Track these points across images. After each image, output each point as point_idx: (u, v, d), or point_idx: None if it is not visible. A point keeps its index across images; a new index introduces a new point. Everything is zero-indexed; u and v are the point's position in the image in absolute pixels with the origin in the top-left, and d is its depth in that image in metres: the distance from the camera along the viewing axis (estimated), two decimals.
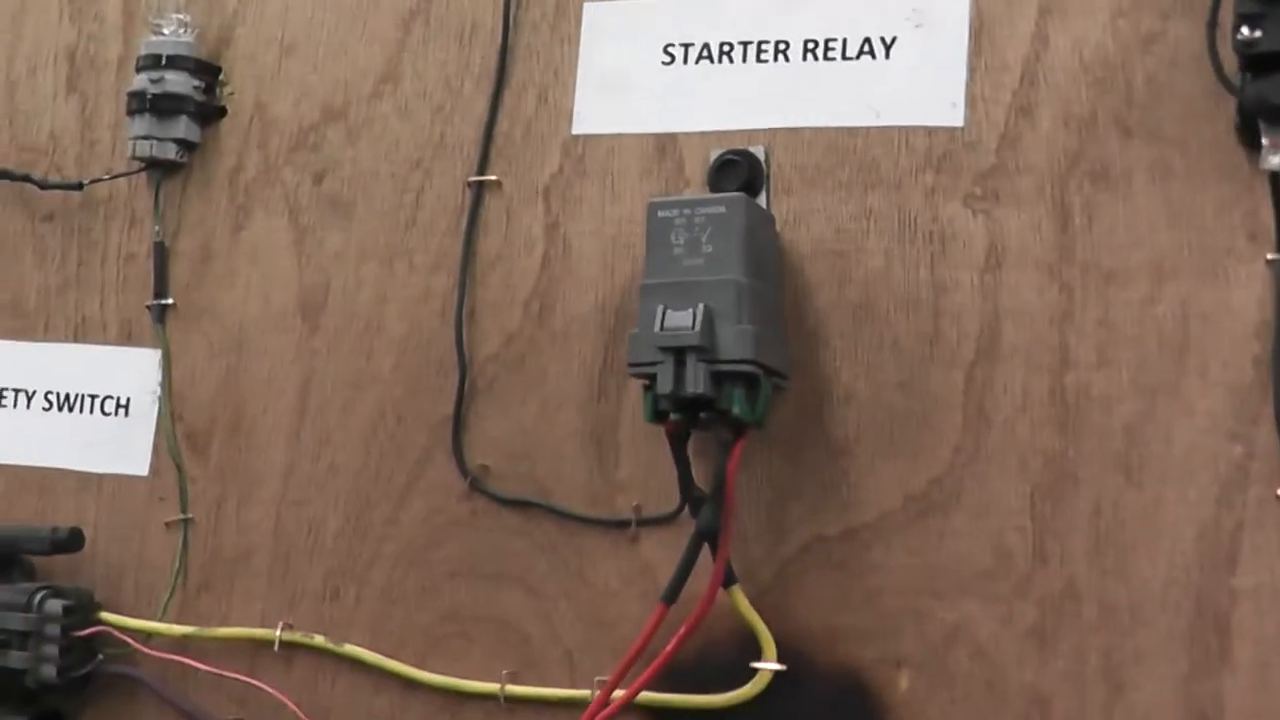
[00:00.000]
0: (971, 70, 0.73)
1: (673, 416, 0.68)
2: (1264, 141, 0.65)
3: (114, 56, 0.89)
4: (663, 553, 0.74)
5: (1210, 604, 0.66)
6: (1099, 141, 0.71)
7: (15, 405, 0.87)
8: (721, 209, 0.69)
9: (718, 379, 0.67)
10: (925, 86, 0.73)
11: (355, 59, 0.83)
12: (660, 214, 0.70)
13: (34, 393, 0.87)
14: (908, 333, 0.72)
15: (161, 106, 0.84)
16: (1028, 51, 0.72)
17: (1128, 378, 0.69)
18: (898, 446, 0.71)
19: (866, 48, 0.75)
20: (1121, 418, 0.68)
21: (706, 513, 0.68)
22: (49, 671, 0.79)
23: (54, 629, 0.79)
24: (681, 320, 0.67)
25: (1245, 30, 0.65)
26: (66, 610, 0.79)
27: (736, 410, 0.67)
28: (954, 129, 0.73)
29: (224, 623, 0.81)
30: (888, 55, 0.74)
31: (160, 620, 0.81)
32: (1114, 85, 0.71)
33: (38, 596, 0.79)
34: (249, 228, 0.84)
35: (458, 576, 0.77)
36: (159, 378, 0.84)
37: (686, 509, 0.72)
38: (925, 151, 0.73)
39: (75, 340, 0.87)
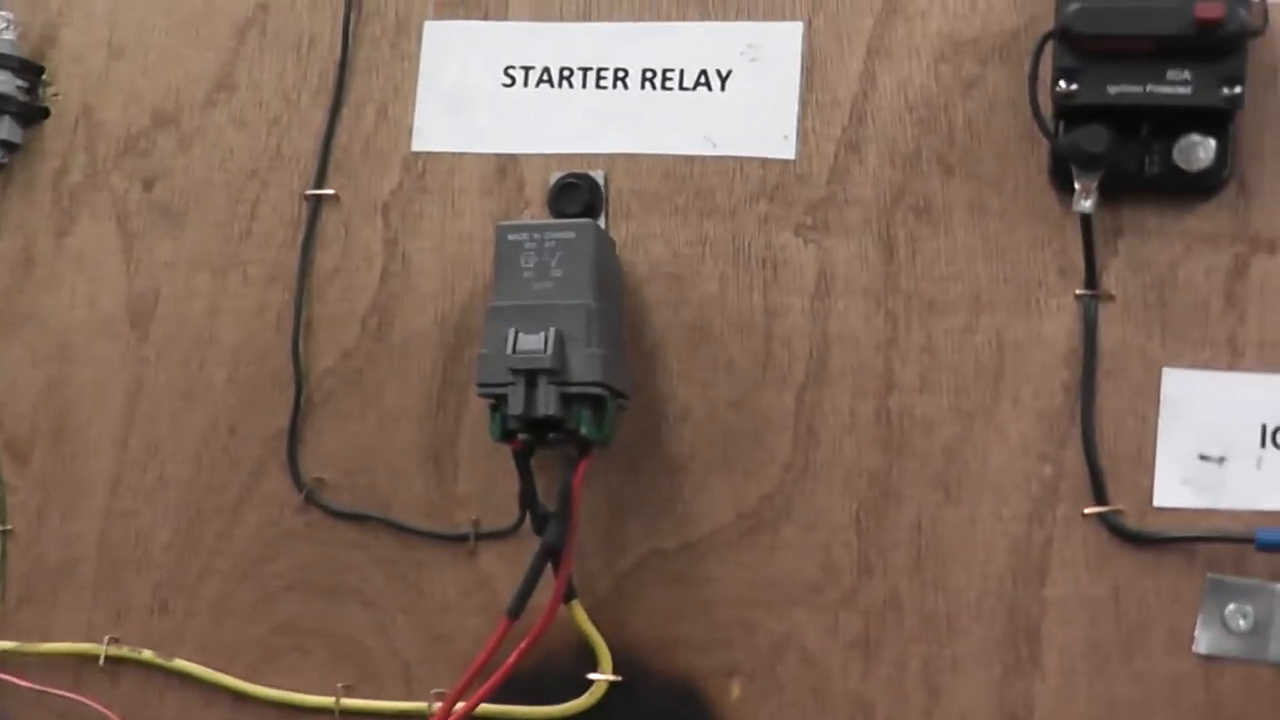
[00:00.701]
0: (804, 105, 0.76)
1: (521, 436, 0.70)
2: (1076, 186, 0.70)
3: None
4: (501, 566, 0.76)
5: (1022, 614, 0.71)
6: (922, 178, 0.75)
7: None
8: (571, 234, 0.71)
9: (567, 400, 0.69)
10: (759, 119, 0.77)
11: (188, 65, 0.83)
12: (510, 237, 0.72)
13: None
14: (741, 354, 0.75)
15: None
16: (856, 90, 0.76)
17: (947, 402, 0.73)
18: (731, 464, 0.75)
19: (703, 79, 0.77)
20: (941, 439, 0.73)
21: (552, 529, 0.70)
22: None
23: None
24: (534, 344, 0.69)
25: (1063, 84, 0.70)
26: None
27: (584, 430, 0.69)
28: (786, 161, 0.76)
29: (47, 637, 0.79)
30: (723, 87, 0.77)
31: None
32: (937, 125, 0.75)
33: None
34: (74, 233, 0.82)
35: (292, 590, 0.78)
36: None
37: (527, 523, 0.74)
38: (759, 181, 0.76)
39: None
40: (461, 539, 0.76)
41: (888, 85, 0.76)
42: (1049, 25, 0.73)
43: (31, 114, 0.83)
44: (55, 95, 0.84)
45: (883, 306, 0.74)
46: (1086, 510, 0.71)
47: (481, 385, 0.70)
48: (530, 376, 0.69)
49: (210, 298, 0.80)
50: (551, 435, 0.70)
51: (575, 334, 0.69)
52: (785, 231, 0.76)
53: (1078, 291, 0.73)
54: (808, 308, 0.75)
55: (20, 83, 0.83)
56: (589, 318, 0.70)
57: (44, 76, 0.84)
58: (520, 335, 0.69)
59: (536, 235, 0.71)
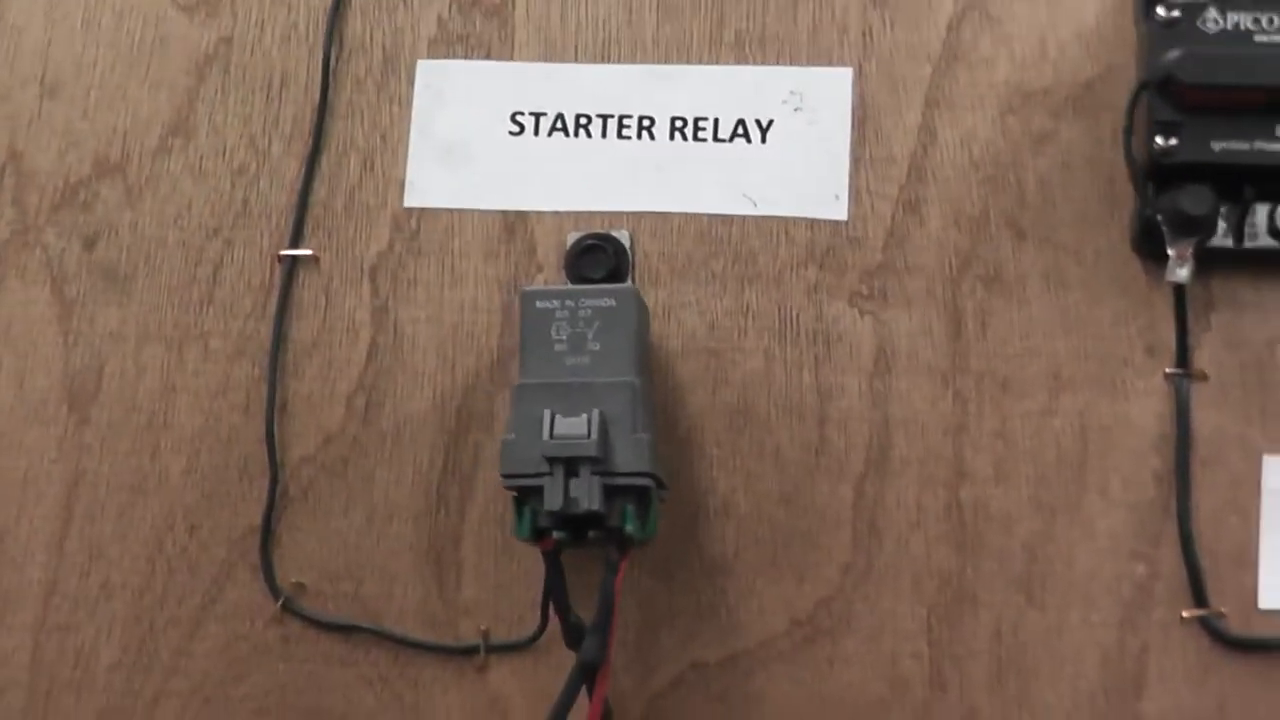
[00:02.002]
0: (855, 160, 0.69)
1: (555, 534, 0.60)
2: (1171, 253, 0.64)
3: None
4: (516, 684, 0.66)
5: None
6: (991, 243, 0.68)
7: None
8: (611, 302, 0.62)
9: (609, 492, 0.60)
10: (806, 175, 0.69)
11: (136, 107, 0.72)
12: (539, 305, 0.62)
13: None
14: (791, 441, 0.67)
15: None
16: (914, 145, 0.69)
17: (1026, 494, 0.66)
18: (781, 565, 0.66)
19: (741, 130, 0.70)
20: (1021, 536, 0.65)
21: (591, 642, 0.60)
22: None
23: None
24: (574, 427, 0.59)
25: (1160, 139, 0.63)
26: None
27: (629, 528, 0.60)
28: (837, 222, 0.68)
29: None
30: (764, 139, 0.69)
31: None
32: (1005, 185, 0.68)
33: None
34: (1, 299, 0.71)
35: (266, 714, 0.67)
36: None
37: (545, 635, 0.64)
38: (807, 245, 0.68)
39: None
40: (469, 652, 0.66)
41: (949, 140, 0.69)
42: (1128, 74, 0.67)
43: None
44: None
45: (950, 386, 0.67)
46: (1185, 614, 0.64)
47: (507, 476, 0.61)
48: (570, 466, 0.59)
49: (164, 374, 0.70)
50: (591, 533, 0.60)
51: (618, 416, 0.60)
52: (838, 301, 0.68)
53: (1168, 370, 0.66)
54: (865, 388, 0.67)
55: None
56: (634, 398, 0.61)
57: None
58: (558, 418, 0.60)
59: (570, 303, 0.62)
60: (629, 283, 0.68)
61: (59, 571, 0.69)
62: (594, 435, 0.59)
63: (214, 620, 0.68)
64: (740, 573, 0.66)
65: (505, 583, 0.66)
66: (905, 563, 0.65)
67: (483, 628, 0.66)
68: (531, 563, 0.66)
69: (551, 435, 0.60)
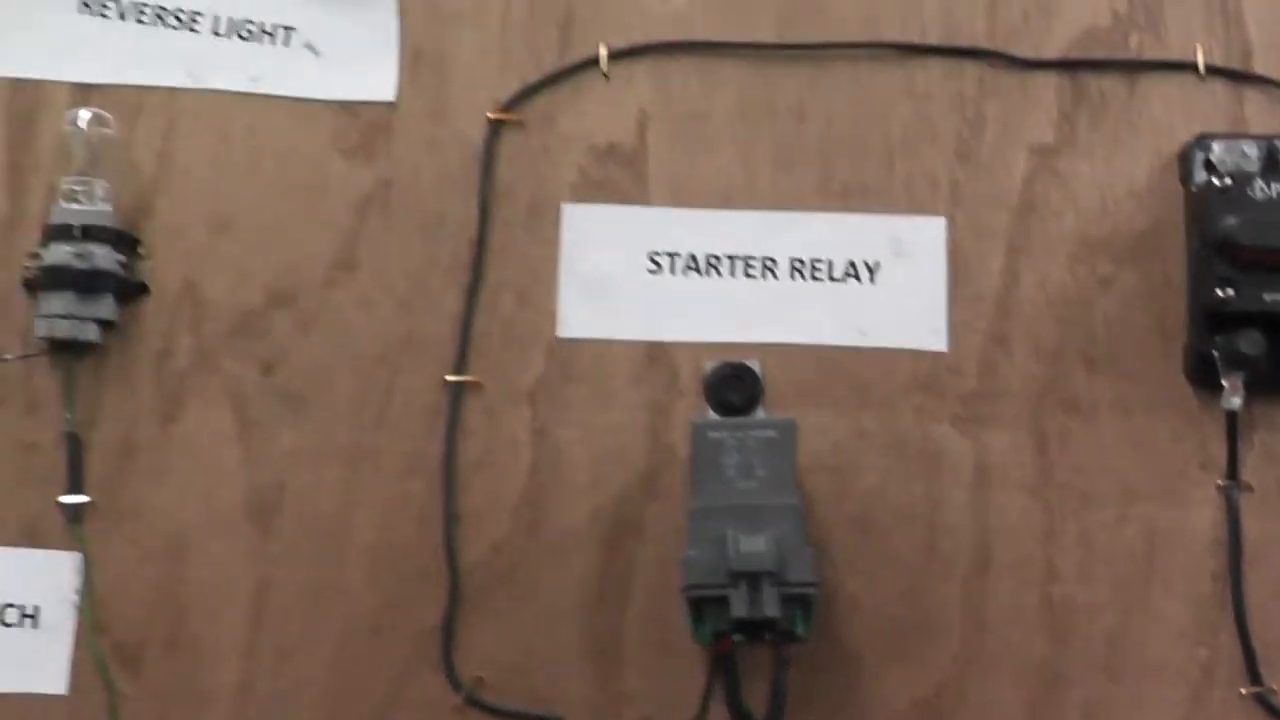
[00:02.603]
0: (951, 299, 0.80)
1: (735, 638, 0.70)
2: (1225, 384, 0.76)
3: None
4: None
5: None
6: (1066, 373, 0.79)
7: None
8: (774, 433, 0.72)
9: (784, 600, 0.70)
10: (909, 311, 0.80)
11: (302, 243, 0.80)
12: (710, 435, 0.72)
13: None
14: (905, 546, 0.77)
15: (85, 283, 0.77)
16: (999, 285, 0.80)
17: (1106, 591, 0.77)
18: (901, 655, 0.76)
19: (851, 271, 0.80)
20: (1102, 626, 0.77)
21: None
22: None
23: None
24: (755, 546, 0.69)
25: (1220, 291, 0.75)
26: None
27: (800, 630, 0.70)
28: (938, 353, 0.79)
29: None
30: (872, 280, 0.80)
31: None
32: (1077, 321, 0.80)
33: None
34: (182, 419, 0.79)
35: None
36: (77, 584, 0.77)
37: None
38: (912, 373, 0.79)
39: None
40: None
41: (1028, 281, 0.80)
42: (1175, 227, 0.79)
43: (129, 290, 0.79)
44: (154, 270, 0.79)
45: (1039, 499, 0.78)
46: (1243, 691, 0.76)
47: (690, 587, 0.70)
48: (753, 579, 0.69)
49: (342, 490, 0.78)
50: (768, 635, 0.70)
51: (787, 534, 0.70)
52: (942, 424, 0.79)
53: (1219, 482, 0.78)
54: (967, 500, 0.78)
55: (120, 257, 0.78)
56: (798, 518, 0.71)
57: (139, 249, 0.80)
58: (741, 538, 0.69)
59: (738, 434, 0.72)
60: (758, 408, 0.78)
61: (249, 672, 0.76)
62: (772, 552, 0.69)
63: (400, 712, 0.76)
64: (866, 661, 0.77)
65: (663, 674, 0.76)
66: (1006, 651, 0.77)
67: (645, 716, 0.76)
68: (685, 657, 0.76)
69: (736, 552, 0.69)
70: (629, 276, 0.80)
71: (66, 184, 0.79)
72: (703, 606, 0.71)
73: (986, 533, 0.78)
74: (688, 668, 0.76)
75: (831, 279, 0.80)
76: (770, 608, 0.69)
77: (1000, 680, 0.76)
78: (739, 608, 0.69)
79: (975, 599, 0.77)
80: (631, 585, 0.77)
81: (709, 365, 0.79)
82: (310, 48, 0.83)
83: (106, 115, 0.80)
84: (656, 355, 0.79)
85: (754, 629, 0.70)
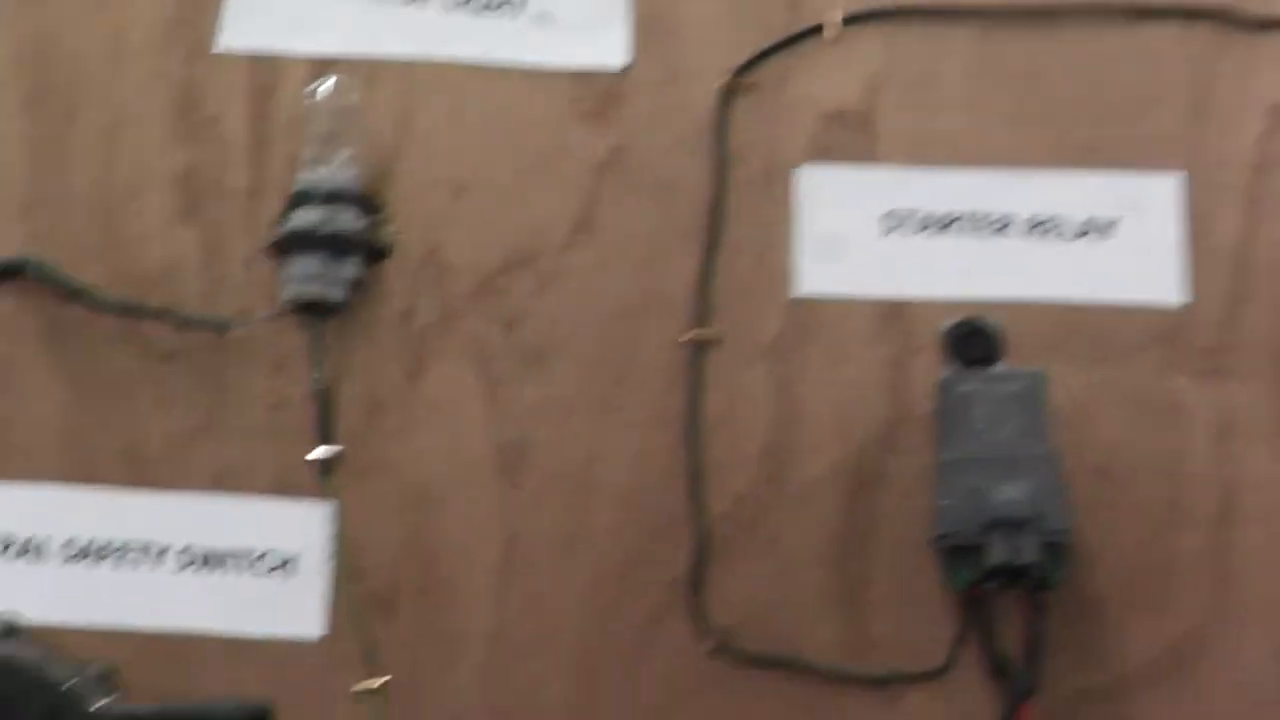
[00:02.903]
0: (1188, 254, 0.87)
1: (987, 585, 0.78)
2: None
3: (241, 184, 0.90)
4: (925, 711, 0.81)
5: None
6: None
7: (143, 563, 0.85)
8: (1023, 385, 0.80)
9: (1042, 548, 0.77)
10: (1145, 267, 0.86)
11: (540, 207, 0.88)
12: (960, 389, 0.80)
13: (166, 548, 0.85)
14: (1148, 497, 0.84)
15: (331, 246, 0.86)
16: (1236, 241, 0.87)
17: None
18: (1147, 603, 0.83)
19: (1087, 227, 0.87)
20: None
21: (1025, 676, 0.77)
22: None
23: None
24: (1013, 493, 0.77)
25: None
26: None
27: (1056, 576, 0.77)
28: (1175, 308, 0.86)
29: None
30: (1108, 236, 0.87)
31: None
32: None
33: None
34: (427, 376, 0.87)
35: None
36: (330, 533, 0.85)
37: (954, 667, 0.81)
38: (1150, 328, 0.86)
39: (215, 491, 0.86)
40: (883, 683, 0.82)
41: (1267, 237, 0.87)
42: None
43: (373, 253, 0.88)
44: (396, 233, 0.89)
45: None
46: None
47: (942, 536, 0.78)
48: (1011, 526, 0.76)
49: (586, 443, 0.85)
50: (1022, 582, 0.77)
51: (1043, 482, 0.78)
52: (1182, 377, 0.85)
53: None
54: (1210, 452, 0.84)
55: (363, 221, 0.88)
56: (1053, 466, 0.78)
57: (383, 214, 0.89)
58: (997, 486, 0.77)
59: (987, 387, 0.80)
60: (999, 364, 0.85)
61: (503, 618, 0.83)
62: (1029, 499, 0.77)
63: (651, 659, 0.82)
64: (1111, 609, 0.83)
65: (910, 621, 0.82)
66: (1255, 600, 0.82)
67: (892, 661, 0.82)
68: (931, 605, 0.82)
69: (994, 500, 0.77)
70: (864, 236, 0.88)
71: (311, 150, 0.88)
72: (956, 555, 0.78)
73: (1231, 484, 0.83)
74: (934, 616, 0.81)
75: (1067, 236, 0.88)
76: (1029, 554, 0.76)
77: (1249, 629, 0.82)
78: (997, 555, 0.76)
79: (1221, 549, 0.83)
80: (875, 535, 0.83)
81: (949, 321, 0.86)
82: (543, 18, 0.92)
83: (349, 82, 0.90)
84: (892, 313, 0.86)
85: (1009, 576, 0.78)
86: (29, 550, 0.86)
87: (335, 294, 0.86)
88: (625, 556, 0.84)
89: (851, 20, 0.90)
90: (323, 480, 0.85)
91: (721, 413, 0.85)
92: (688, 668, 0.82)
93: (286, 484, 0.86)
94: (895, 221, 0.87)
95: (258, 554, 0.85)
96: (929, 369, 0.85)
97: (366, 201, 0.88)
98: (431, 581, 0.84)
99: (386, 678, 0.82)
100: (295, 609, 0.84)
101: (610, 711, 0.82)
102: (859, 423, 0.85)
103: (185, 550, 0.85)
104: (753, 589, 0.83)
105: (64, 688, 0.79)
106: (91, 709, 0.79)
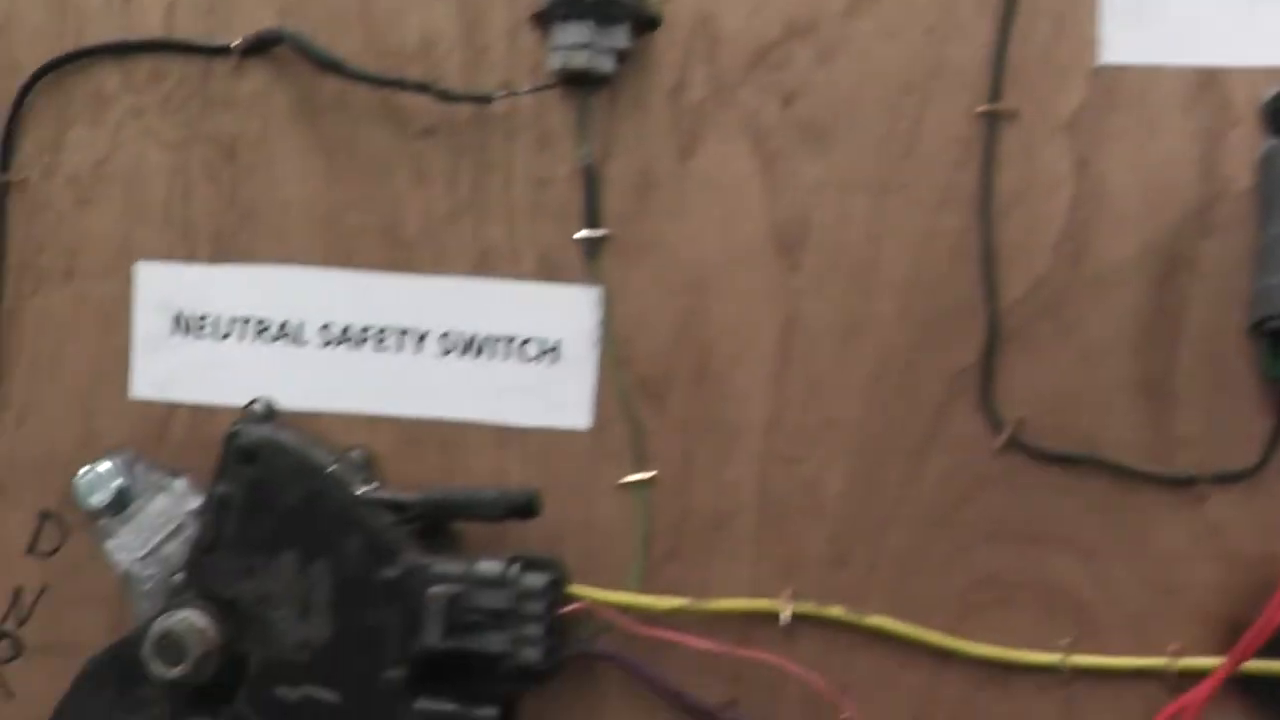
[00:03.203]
0: None
1: None
2: None
3: None
4: (1234, 514, 0.81)
5: None
6: None
7: (403, 347, 0.89)
8: None
9: None
10: None
11: None
12: None
13: (426, 334, 0.89)
14: None
15: (601, 12, 0.88)
16: None
17: None
18: None
19: None
20: None
21: None
22: (532, 655, 0.80)
23: (536, 607, 0.80)
24: None
25: None
26: (549, 585, 0.81)
27: None
28: None
29: (703, 594, 0.84)
30: None
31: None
32: None
33: (513, 569, 0.81)
34: (700, 154, 0.87)
35: (994, 539, 0.83)
36: (598, 319, 0.87)
37: (1262, 465, 0.81)
38: None
39: (477, 274, 0.89)
40: (1187, 482, 0.82)
41: None
42: None
43: (642, 22, 0.89)
44: (666, 1, 0.90)
45: None
46: None
47: (1264, 320, 0.77)
48: None
49: (870, 223, 0.86)
50: None
51: None
52: None
53: None
54: None
55: None
56: None
57: None
58: None
59: None
60: None
61: (780, 407, 0.85)
62: None
63: (937, 452, 0.83)
64: None
65: (1220, 415, 0.81)
66: None
67: (1200, 458, 0.82)
68: (1245, 398, 0.81)
69: None
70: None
71: None
72: (1276, 341, 0.78)
73: None
74: (1247, 410, 0.80)
75: None
76: None
77: None
78: None
79: None
80: (1184, 321, 0.82)
81: (1270, 90, 0.85)
82: None
83: None
84: (1207, 81, 0.83)
85: None
86: (285, 334, 0.90)
87: (603, 65, 0.87)
88: (911, 344, 0.84)
89: None
90: (589, 263, 0.87)
91: (1017, 191, 0.85)
92: (975, 463, 0.83)
93: (551, 267, 0.87)
94: None
95: (521, 340, 0.87)
96: (1247, 142, 0.83)
97: None
98: (704, 369, 0.86)
99: (654, 471, 0.85)
100: (561, 398, 0.87)
101: (891, 508, 0.84)
102: (1168, 201, 0.84)
103: (446, 335, 0.88)
104: (1048, 380, 0.83)
105: (328, 471, 0.84)
106: (357, 494, 0.84)
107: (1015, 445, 0.83)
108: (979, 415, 0.83)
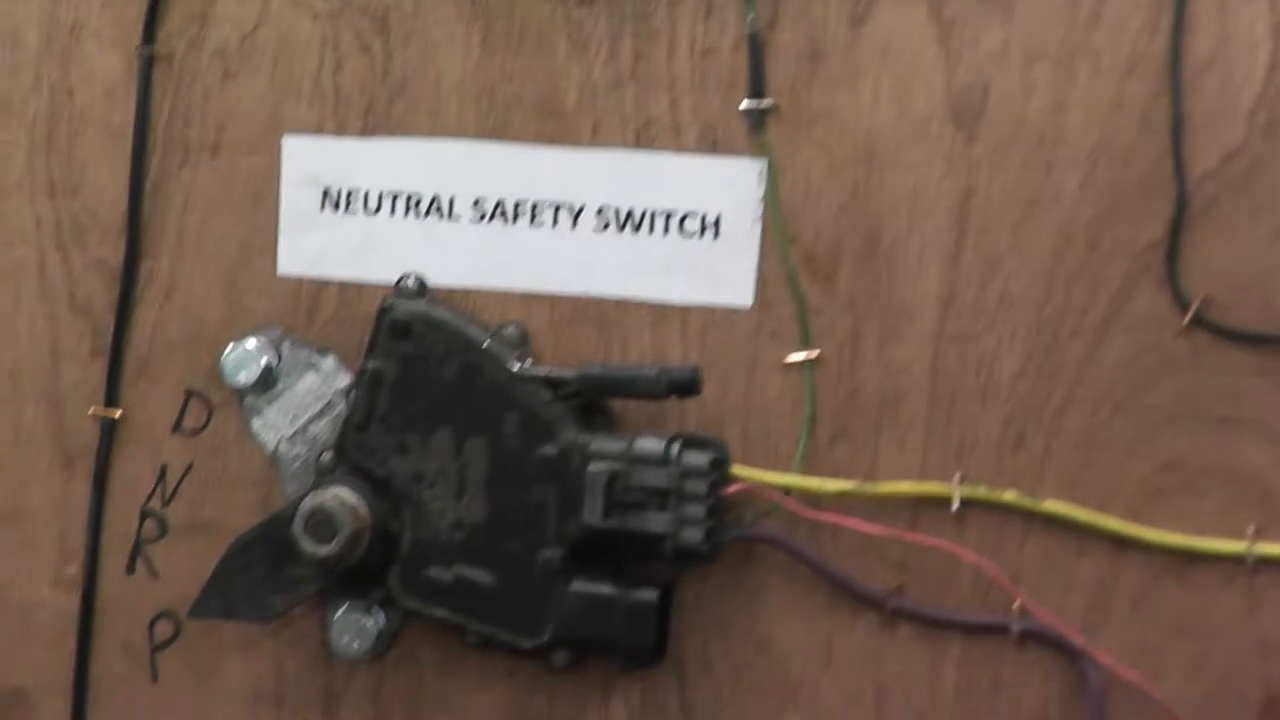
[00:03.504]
0: None
1: None
2: None
3: None
4: None
5: None
6: None
7: (558, 223, 0.89)
8: None
9: None
10: None
11: None
12: None
13: (583, 208, 0.89)
14: None
15: None
16: None
17: None
18: None
19: None
20: None
21: None
22: (693, 536, 0.81)
23: (698, 486, 0.81)
24: None
25: None
26: (711, 465, 0.81)
27: None
28: None
29: (870, 477, 0.84)
30: None
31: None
32: None
33: (675, 447, 0.81)
34: (873, 20, 0.86)
35: (1177, 422, 0.82)
36: (762, 193, 0.87)
37: None
38: None
39: (637, 147, 0.89)
40: None
41: None
42: None
43: None
44: None
45: None
46: None
47: None
48: None
49: (1052, 92, 0.84)
50: None
51: None
52: None
53: None
54: None
55: None
56: None
57: None
58: None
59: None
60: None
61: (954, 284, 0.84)
62: None
63: (1119, 332, 0.82)
64: None
65: None
66: None
67: None
68: None
69: None
70: None
71: None
72: None
73: None
74: None
75: None
76: None
77: None
78: None
79: None
80: None
81: None
82: None
83: None
84: None
85: None
86: (437, 210, 0.90)
87: None
88: (1093, 218, 0.83)
89: None
90: (754, 135, 0.87)
91: (1209, 57, 0.83)
92: (1160, 342, 0.82)
93: (715, 139, 0.87)
94: None
95: (682, 215, 0.87)
96: None
97: None
98: (874, 245, 0.85)
99: (820, 351, 0.85)
100: (722, 274, 0.87)
101: (1069, 390, 0.83)
102: None
103: (603, 210, 0.88)
104: (1238, 257, 0.82)
105: (483, 346, 0.85)
106: (513, 370, 0.84)
107: (1201, 324, 0.81)
108: (1164, 293, 0.82)
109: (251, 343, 0.91)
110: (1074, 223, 0.84)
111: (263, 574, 0.88)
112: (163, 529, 0.95)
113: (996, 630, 0.83)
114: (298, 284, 0.93)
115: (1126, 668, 0.81)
